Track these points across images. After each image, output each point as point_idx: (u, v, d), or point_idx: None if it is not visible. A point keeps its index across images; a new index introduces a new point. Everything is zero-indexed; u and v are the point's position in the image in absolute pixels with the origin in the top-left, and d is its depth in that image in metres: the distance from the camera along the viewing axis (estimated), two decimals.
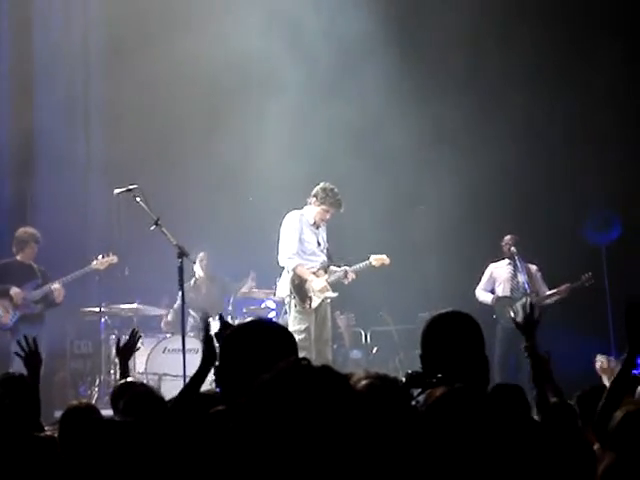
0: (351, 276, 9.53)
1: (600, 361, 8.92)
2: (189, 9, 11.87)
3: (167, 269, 9.04)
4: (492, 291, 10.88)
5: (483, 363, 3.40)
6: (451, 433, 2.67)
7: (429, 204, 11.88)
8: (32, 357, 5.08)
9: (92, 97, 12.46)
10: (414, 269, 11.61)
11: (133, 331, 5.47)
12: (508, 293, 10.73)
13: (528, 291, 10.50)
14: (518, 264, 10.68)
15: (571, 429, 3.98)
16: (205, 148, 11.79)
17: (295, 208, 9.51)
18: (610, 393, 3.94)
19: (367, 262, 9.61)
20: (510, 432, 2.74)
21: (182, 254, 8.18)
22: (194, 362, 8.38)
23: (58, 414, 5.97)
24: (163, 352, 10.10)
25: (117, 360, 9.77)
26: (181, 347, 8.13)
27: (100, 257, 10.06)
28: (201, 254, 11.09)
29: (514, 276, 10.74)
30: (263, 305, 11.05)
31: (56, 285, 9.83)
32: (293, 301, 9.25)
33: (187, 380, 7.43)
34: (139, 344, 5.51)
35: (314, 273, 9.36)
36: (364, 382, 3.24)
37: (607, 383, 6.11)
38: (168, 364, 9.67)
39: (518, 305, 10.55)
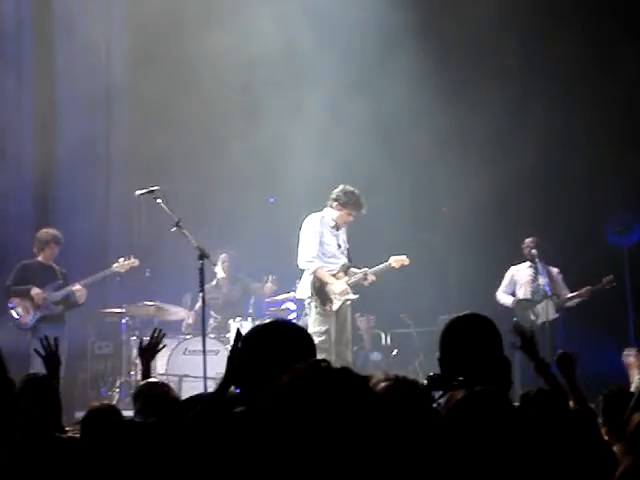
0: (371, 278, 9.51)
1: (629, 355, 8.84)
2: (220, 1, 11.84)
3: (188, 271, 9.06)
4: (513, 294, 10.84)
5: (504, 366, 3.39)
6: (472, 436, 2.66)
7: (451, 206, 11.86)
8: (51, 358, 5.11)
9: (114, 97, 12.49)
10: (435, 271, 11.59)
11: (155, 330, 5.41)
12: (529, 296, 10.69)
13: (549, 294, 10.46)
14: (539, 267, 10.63)
15: (590, 436, 3.95)
16: (227, 149, 11.82)
17: (315, 210, 9.50)
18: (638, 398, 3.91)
19: (387, 263, 9.59)
20: (528, 435, 2.73)
21: (203, 256, 8.18)
22: (215, 363, 8.49)
23: (79, 415, 6.01)
24: (184, 353, 10.12)
25: (138, 361, 9.87)
26: (202, 348, 8.14)
27: (121, 260, 10.09)
28: (223, 255, 11.14)
29: (535, 279, 10.70)
30: (283, 307, 11.06)
31: (77, 286, 9.88)
32: (314, 303, 9.24)
33: (206, 384, 7.44)
34: (162, 344, 5.42)
35: (334, 275, 9.35)
36: (383, 384, 3.24)
37: (635, 377, 6.10)
38: (189, 365, 9.69)
39: (539, 308, 10.52)
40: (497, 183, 11.35)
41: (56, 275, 9.97)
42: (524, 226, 11.13)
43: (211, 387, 8.24)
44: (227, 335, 10.41)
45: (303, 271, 9.42)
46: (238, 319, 10.53)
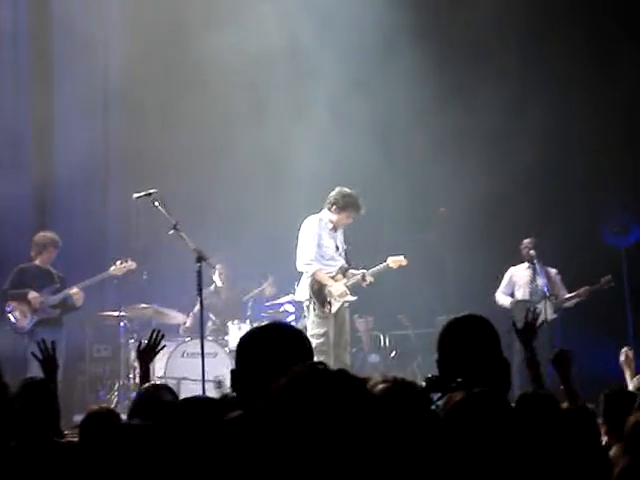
0: (369, 279, 9.51)
1: (625, 353, 8.80)
2: (220, 1, 11.83)
3: (185, 274, 9.06)
4: (512, 295, 10.86)
5: (502, 367, 3.39)
6: (470, 438, 2.66)
7: (449, 207, 11.86)
8: (49, 361, 5.10)
9: (113, 99, 12.49)
10: (433, 272, 11.59)
11: (153, 332, 5.38)
12: (527, 296, 10.71)
13: (547, 294, 10.47)
14: (537, 267, 10.65)
15: (585, 436, 3.94)
16: (227, 150, 11.81)
17: (314, 212, 9.50)
18: None
19: (385, 264, 9.59)
20: (525, 437, 2.72)
21: (200, 258, 8.18)
22: (213, 366, 8.49)
23: (77, 418, 6.01)
24: (182, 356, 10.11)
25: (137, 364, 9.87)
26: (200, 351, 8.13)
27: (118, 263, 10.09)
28: (218, 266, 11.08)
29: (533, 279, 10.72)
30: (282, 309, 11.05)
31: (74, 289, 9.87)
32: (312, 305, 9.24)
33: (204, 386, 7.44)
34: (161, 345, 5.39)
35: (332, 277, 9.35)
36: (381, 386, 3.23)
37: (628, 376, 6.10)
38: (187, 368, 9.68)
39: (538, 307, 10.53)
40: (495, 184, 11.35)
41: (53, 279, 9.96)
42: (522, 227, 11.14)
43: (209, 390, 8.25)
44: (225, 338, 10.41)
45: (302, 273, 9.41)
46: (236, 322, 10.53)
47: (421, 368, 11.10)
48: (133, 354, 10.33)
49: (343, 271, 9.46)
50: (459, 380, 3.27)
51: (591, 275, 10.64)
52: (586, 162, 11.71)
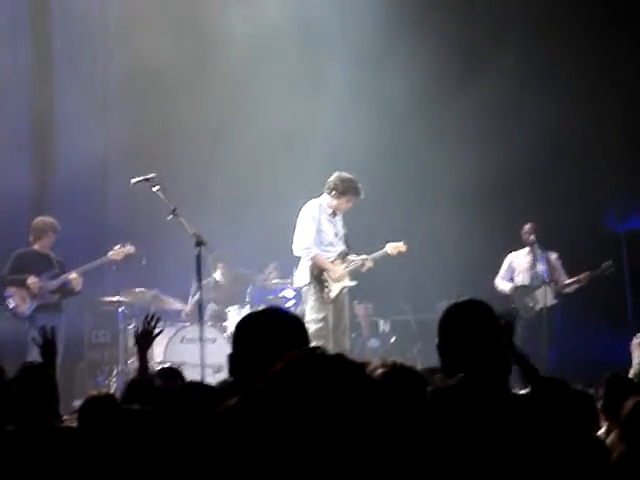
0: (368, 264, 9.50)
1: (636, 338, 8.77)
2: None
3: (185, 260, 9.04)
4: (511, 280, 10.85)
5: (503, 352, 3.36)
6: (453, 425, 2.65)
7: (449, 192, 11.85)
8: (48, 347, 5.09)
9: (111, 81, 12.45)
10: (433, 258, 11.58)
11: (147, 316, 5.34)
12: (527, 282, 10.69)
13: (547, 280, 10.45)
14: (537, 253, 10.63)
15: (583, 421, 3.91)
16: (224, 137, 11.78)
17: (314, 196, 9.47)
18: None
19: (383, 250, 9.58)
20: (520, 422, 2.71)
21: (200, 243, 8.16)
22: (212, 351, 8.47)
23: (76, 403, 6.00)
24: (181, 341, 10.10)
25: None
26: (199, 336, 8.12)
27: (117, 247, 10.06)
28: (220, 265, 11.12)
29: (533, 265, 10.70)
30: (281, 294, 11.04)
31: (73, 274, 9.85)
32: (311, 290, 9.23)
33: (204, 371, 7.43)
34: (158, 329, 5.36)
35: (332, 263, 9.33)
36: (381, 371, 3.22)
37: (636, 358, 6.10)
38: (186, 353, 9.66)
39: (537, 294, 10.52)
40: (496, 170, 11.32)
41: (52, 264, 9.93)
42: (523, 212, 11.11)
43: (209, 375, 8.24)
44: (225, 323, 10.39)
45: (300, 259, 9.39)
46: (236, 307, 10.51)
47: (421, 353, 11.10)
48: (132, 340, 10.32)
49: (342, 256, 9.44)
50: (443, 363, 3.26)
51: (591, 260, 10.63)
52: (586, 148, 11.69)
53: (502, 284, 10.84)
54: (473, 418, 2.69)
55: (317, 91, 11.58)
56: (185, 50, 11.46)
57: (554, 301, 10.50)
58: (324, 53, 11.97)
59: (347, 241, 9.55)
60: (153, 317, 5.33)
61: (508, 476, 2.71)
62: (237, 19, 11.54)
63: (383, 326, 12.06)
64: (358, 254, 9.52)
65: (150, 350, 10.31)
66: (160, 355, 10.11)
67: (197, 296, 9.32)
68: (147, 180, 8.68)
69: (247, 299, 10.79)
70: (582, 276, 10.55)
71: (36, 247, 9.97)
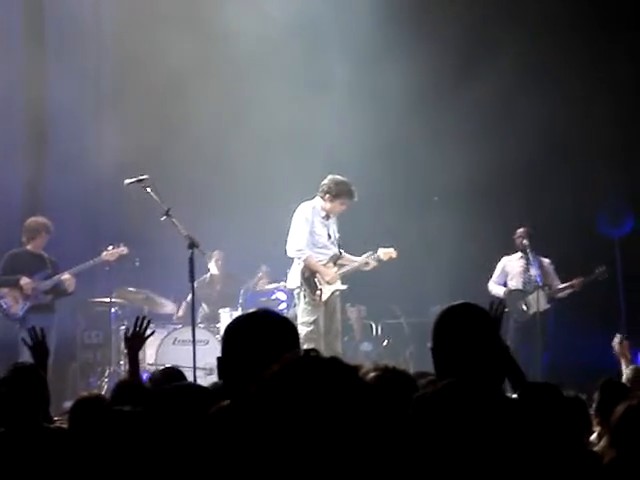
0: (373, 263, 9.51)
1: (620, 339, 8.77)
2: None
3: (178, 261, 9.01)
4: (505, 284, 10.84)
5: (497, 356, 3.36)
6: (438, 429, 2.65)
7: (442, 196, 11.84)
8: (39, 347, 5.07)
9: (106, 81, 12.43)
10: (426, 262, 11.57)
11: (138, 318, 5.33)
12: (520, 286, 10.69)
13: (540, 284, 10.45)
14: (530, 257, 10.63)
15: (575, 427, 3.90)
16: (218, 140, 11.77)
17: (307, 199, 9.47)
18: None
19: (375, 255, 9.57)
20: (511, 427, 2.70)
21: (193, 245, 8.15)
22: (204, 353, 8.46)
23: (68, 405, 5.97)
24: (173, 343, 10.10)
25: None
26: (191, 338, 8.11)
27: (110, 248, 10.05)
28: (215, 252, 11.07)
29: (526, 269, 10.70)
30: (274, 297, 11.03)
31: (66, 275, 9.83)
32: (303, 293, 9.22)
33: (195, 373, 7.41)
34: (149, 331, 5.34)
35: (324, 266, 9.32)
36: (373, 374, 3.21)
37: (624, 364, 6.10)
38: (178, 355, 9.65)
39: (530, 298, 10.52)
40: (489, 173, 11.32)
41: (45, 264, 9.91)
42: (516, 216, 11.11)
43: (201, 377, 8.23)
44: (217, 325, 10.38)
45: (293, 261, 9.39)
46: (228, 309, 10.50)
47: (413, 357, 11.10)
48: (124, 341, 10.30)
49: (335, 260, 9.43)
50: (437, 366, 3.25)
51: (584, 265, 10.63)
52: (580, 152, 11.69)
53: (496, 288, 10.84)
54: (463, 421, 2.68)
55: (315, 92, 11.56)
56: (182, 49, 11.42)
57: (547, 306, 10.50)
58: (321, 53, 11.96)
59: (340, 245, 9.54)
60: (144, 319, 5.32)
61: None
62: (235, 18, 11.51)
63: (375, 329, 12.06)
64: (357, 256, 9.53)
65: (142, 352, 10.33)
66: (152, 357, 10.10)
67: (190, 299, 9.31)
68: (140, 181, 8.68)
69: (240, 301, 10.79)
70: (575, 281, 10.55)
71: (29, 247, 9.95)
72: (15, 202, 11.48)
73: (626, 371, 6.23)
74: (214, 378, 6.75)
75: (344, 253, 9.57)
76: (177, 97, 11.56)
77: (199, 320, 10.44)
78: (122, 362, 10.16)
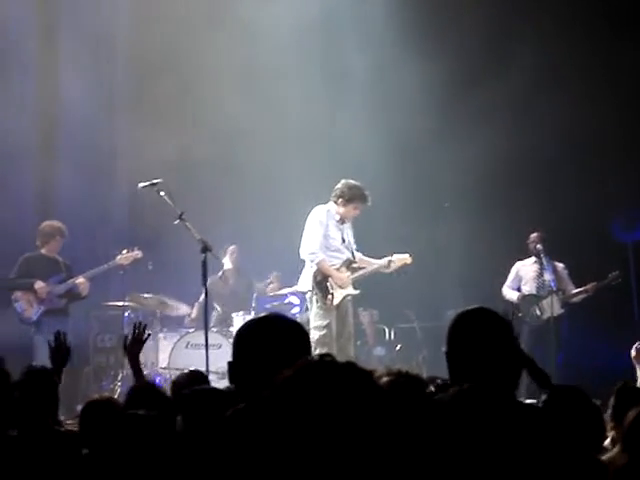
0: (393, 266, 9.49)
1: (636, 348, 8.73)
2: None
3: (191, 264, 9.02)
4: (518, 289, 10.81)
5: (512, 361, 3.33)
6: (454, 434, 2.63)
7: (455, 201, 11.81)
8: (60, 353, 5.07)
9: (118, 85, 12.45)
10: (438, 266, 11.55)
11: (135, 325, 5.34)
12: (534, 291, 10.66)
13: (554, 289, 10.42)
14: (544, 262, 10.59)
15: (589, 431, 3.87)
16: (229, 143, 11.77)
17: (320, 203, 9.46)
18: None
19: (389, 259, 9.55)
20: (524, 432, 2.69)
21: (206, 249, 8.16)
22: (217, 357, 8.45)
23: (80, 408, 5.96)
24: (186, 347, 10.09)
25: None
26: (204, 342, 8.11)
27: (125, 252, 10.06)
28: (232, 247, 11.22)
29: (540, 274, 10.67)
30: (286, 301, 11.03)
31: (80, 279, 9.85)
32: (315, 297, 9.21)
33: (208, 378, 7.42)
34: (146, 334, 5.35)
35: (337, 270, 9.31)
36: (386, 379, 3.20)
37: (639, 371, 6.07)
38: (191, 359, 9.64)
39: (544, 303, 10.48)
40: (502, 177, 11.29)
41: (60, 268, 9.93)
42: (529, 221, 11.07)
43: (213, 381, 8.21)
44: (230, 329, 10.38)
45: (305, 263, 9.38)
46: (241, 313, 10.51)
47: (426, 361, 11.08)
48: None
49: (348, 264, 9.41)
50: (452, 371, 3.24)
51: (598, 270, 10.59)
52: (594, 156, 11.64)
53: (510, 293, 10.81)
54: (478, 427, 2.67)
55: (328, 95, 11.57)
56: (196, 51, 11.44)
57: (561, 310, 10.47)
58: (336, 53, 11.93)
59: (353, 250, 9.53)
60: (141, 324, 5.33)
61: None
62: (250, 20, 11.51)
63: (388, 334, 12.05)
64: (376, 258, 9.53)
65: (155, 355, 10.36)
66: (165, 361, 10.11)
67: (202, 299, 9.32)
68: (154, 185, 8.70)
69: (253, 305, 10.79)
70: (589, 286, 10.51)
71: (44, 251, 9.97)
72: (28, 205, 11.51)
73: None
74: (226, 382, 6.74)
75: (362, 256, 9.55)
76: (191, 100, 11.57)
77: (212, 324, 10.44)
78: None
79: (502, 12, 11.60)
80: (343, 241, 9.44)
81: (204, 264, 8.13)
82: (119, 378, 10.34)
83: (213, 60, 11.48)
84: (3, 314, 9.82)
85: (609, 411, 4.45)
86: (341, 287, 9.23)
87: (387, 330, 12.06)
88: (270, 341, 2.88)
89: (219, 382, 8.33)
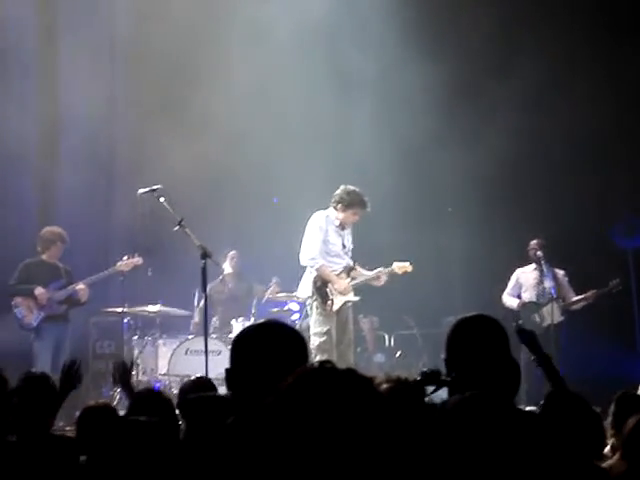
0: (384, 278, 9.47)
1: None
2: None
3: (191, 270, 9.01)
4: (519, 296, 10.79)
5: (511, 368, 3.33)
6: (455, 441, 2.63)
7: (456, 207, 11.81)
8: (71, 378, 5.04)
9: (119, 91, 12.44)
10: (439, 273, 11.54)
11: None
12: (534, 299, 10.64)
13: (554, 297, 10.40)
14: (544, 269, 10.57)
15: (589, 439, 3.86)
16: (229, 147, 11.77)
17: (320, 208, 9.45)
18: None
19: (390, 269, 9.54)
20: (523, 438, 2.68)
21: (205, 255, 8.15)
22: (216, 364, 8.44)
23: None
24: (185, 353, 10.08)
25: (140, 361, 9.84)
26: (203, 348, 8.10)
27: (125, 258, 10.05)
28: (232, 252, 11.24)
29: (540, 282, 10.64)
30: (286, 307, 11.02)
31: (81, 285, 9.83)
32: (315, 303, 9.20)
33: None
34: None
35: (337, 275, 9.30)
36: (385, 386, 3.19)
37: None
38: (190, 365, 9.64)
39: (544, 311, 10.47)
40: (503, 184, 11.29)
41: (60, 274, 9.92)
42: (529, 228, 11.06)
43: None
44: (229, 335, 10.37)
45: (304, 270, 9.37)
46: (240, 319, 10.50)
47: (426, 368, 11.04)
48: (137, 351, 10.32)
49: (348, 270, 9.40)
50: (453, 375, 3.23)
51: (598, 277, 10.58)
52: (595, 163, 11.65)
53: (510, 300, 10.79)
54: (478, 434, 2.66)
55: (331, 99, 11.57)
56: (196, 50, 11.45)
57: (561, 318, 10.45)
58: (341, 55, 11.94)
59: (353, 256, 9.52)
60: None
61: None
62: (254, 21, 11.53)
63: (388, 340, 12.04)
64: (369, 269, 9.49)
65: (155, 362, 10.35)
66: (164, 367, 10.10)
67: (201, 305, 9.31)
68: (153, 191, 8.69)
69: (252, 311, 10.78)
70: (589, 294, 10.50)
71: (44, 257, 9.96)
72: (28, 210, 11.50)
73: None
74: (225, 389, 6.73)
75: (357, 265, 9.54)
76: (192, 102, 11.54)
77: (211, 330, 10.43)
78: (134, 372, 10.16)
79: (504, 15, 11.59)
80: (343, 247, 9.43)
81: (204, 270, 8.12)
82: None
83: (214, 61, 11.46)
84: (3, 320, 9.81)
85: (609, 418, 4.45)
86: (341, 293, 9.21)
87: (387, 337, 12.05)
88: (267, 348, 2.87)
89: (218, 389, 8.33)
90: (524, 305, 10.64)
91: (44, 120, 11.86)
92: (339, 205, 9.32)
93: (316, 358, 8.52)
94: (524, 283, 10.79)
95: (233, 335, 10.27)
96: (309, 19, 11.55)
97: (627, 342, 10.60)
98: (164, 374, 10.05)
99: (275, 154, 11.68)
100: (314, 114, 11.45)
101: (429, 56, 11.37)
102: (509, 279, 10.89)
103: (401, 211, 11.68)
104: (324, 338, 9.00)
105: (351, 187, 9.36)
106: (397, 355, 11.88)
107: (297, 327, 9.19)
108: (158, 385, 9.68)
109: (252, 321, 10.29)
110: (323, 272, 9.21)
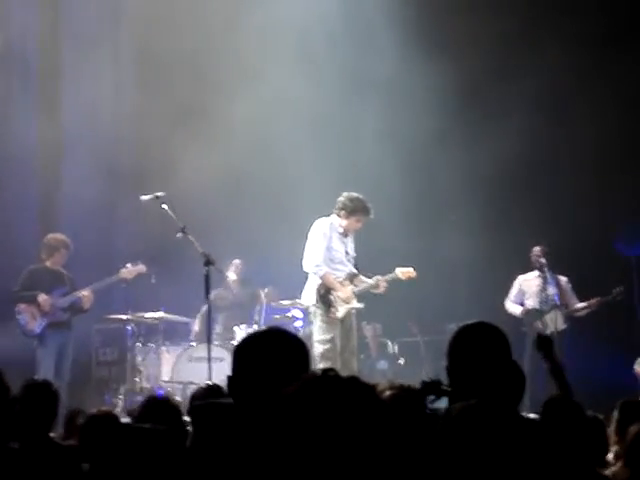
0: (383, 285, 9.44)
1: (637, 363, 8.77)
2: None
3: (194, 278, 9.01)
4: (522, 303, 10.77)
5: (514, 375, 3.32)
6: (468, 446, 2.62)
7: (459, 215, 11.80)
8: None
9: (121, 100, 12.45)
10: (442, 279, 11.53)
11: None
12: (537, 306, 10.62)
13: (558, 304, 10.39)
14: (547, 276, 10.56)
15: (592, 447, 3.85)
16: (229, 150, 11.76)
17: (323, 215, 9.44)
18: None
19: (393, 275, 9.52)
20: (526, 445, 2.68)
21: (208, 262, 8.15)
22: (220, 371, 8.44)
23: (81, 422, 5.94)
24: (189, 361, 10.08)
25: (143, 367, 9.82)
26: (207, 355, 8.10)
27: (129, 265, 10.05)
28: (237, 261, 11.23)
29: (543, 288, 10.63)
30: (290, 314, 11.01)
31: (84, 292, 9.83)
32: (318, 310, 9.18)
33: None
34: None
35: (340, 283, 9.28)
36: (388, 393, 3.19)
37: None
38: (194, 373, 9.64)
39: (547, 318, 10.45)
40: (505, 190, 11.28)
41: (63, 281, 9.92)
42: (532, 234, 11.05)
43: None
44: (232, 342, 10.36)
45: (307, 278, 9.35)
46: (243, 326, 10.49)
47: (429, 375, 11.02)
48: (139, 358, 10.32)
49: (351, 277, 9.39)
50: (452, 385, 3.23)
51: (601, 284, 10.57)
52: (598, 170, 11.64)
53: (513, 307, 10.78)
54: (482, 442, 2.66)
55: (321, 116, 11.56)
56: (200, 50, 11.46)
57: (564, 325, 10.44)
58: (346, 58, 11.95)
59: (356, 263, 9.51)
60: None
61: None
62: (256, 22, 11.54)
63: (392, 347, 12.03)
64: (370, 276, 9.47)
65: (158, 369, 10.34)
66: (168, 374, 10.10)
67: (204, 311, 9.31)
68: (156, 198, 8.69)
69: (255, 318, 10.78)
70: (593, 301, 10.49)
71: (48, 264, 9.95)
72: (31, 219, 11.50)
73: None
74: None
75: (359, 273, 9.53)
76: (195, 105, 11.54)
77: (214, 337, 10.42)
78: (137, 379, 10.17)
79: (508, 17, 11.58)
80: (347, 254, 9.42)
81: (207, 277, 8.12)
82: (121, 392, 10.32)
83: (217, 62, 11.47)
84: (6, 327, 9.80)
85: (612, 425, 4.44)
86: (345, 301, 9.19)
87: (390, 344, 12.05)
88: (270, 355, 2.86)
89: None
90: (527, 312, 10.63)
91: (48, 126, 11.86)
92: (342, 212, 9.30)
93: (320, 366, 8.51)
94: (527, 290, 10.78)
95: (236, 342, 10.27)
96: (316, 23, 11.56)
97: (630, 349, 10.57)
98: (167, 381, 10.05)
99: (285, 161, 11.65)
100: (319, 118, 11.44)
101: (434, 59, 11.38)
102: (511, 286, 10.87)
103: (405, 217, 11.67)
104: (328, 346, 8.98)
105: (354, 194, 9.34)
106: (400, 362, 11.87)
107: (300, 334, 9.18)
108: (161, 392, 9.67)
109: (255, 328, 10.29)
110: (327, 280, 9.19)
